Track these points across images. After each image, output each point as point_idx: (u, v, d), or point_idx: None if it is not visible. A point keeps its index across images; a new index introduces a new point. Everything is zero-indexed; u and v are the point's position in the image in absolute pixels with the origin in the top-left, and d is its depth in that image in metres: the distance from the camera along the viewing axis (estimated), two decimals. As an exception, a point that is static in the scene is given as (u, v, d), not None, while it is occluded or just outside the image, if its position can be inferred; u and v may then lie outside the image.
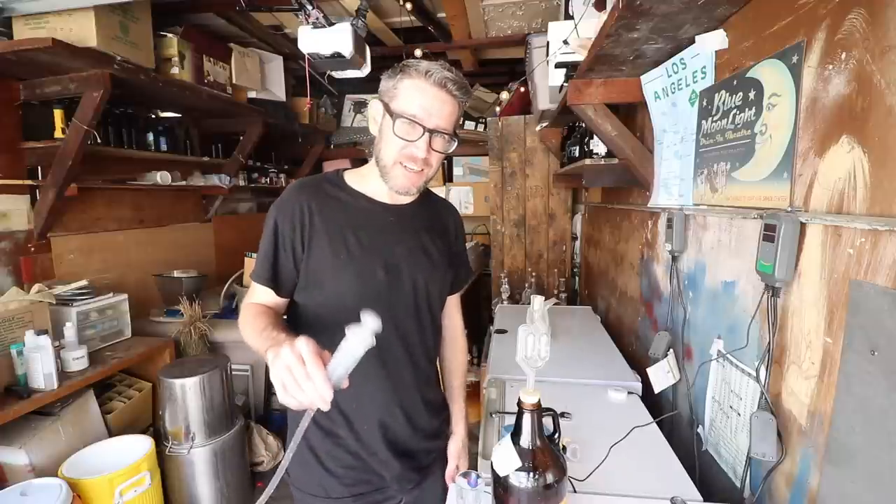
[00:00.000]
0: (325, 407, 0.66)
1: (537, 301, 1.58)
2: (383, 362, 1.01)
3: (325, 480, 1.03)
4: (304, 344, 0.67)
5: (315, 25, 1.78)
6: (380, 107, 0.96)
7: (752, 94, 1.06)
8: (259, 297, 1.00)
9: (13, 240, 2.13)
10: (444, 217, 1.16)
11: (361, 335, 0.68)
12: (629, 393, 1.51)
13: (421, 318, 1.06)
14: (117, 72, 1.99)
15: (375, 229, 1.01)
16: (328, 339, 0.70)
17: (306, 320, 1.02)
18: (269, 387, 2.84)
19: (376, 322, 0.68)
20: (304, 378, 0.65)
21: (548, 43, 1.77)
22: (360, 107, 4.29)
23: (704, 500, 1.01)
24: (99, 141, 2.25)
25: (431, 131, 0.92)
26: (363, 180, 1.04)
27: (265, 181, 3.83)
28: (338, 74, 2.02)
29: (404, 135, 0.91)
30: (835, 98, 0.83)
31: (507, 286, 3.14)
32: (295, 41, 2.35)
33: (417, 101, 0.90)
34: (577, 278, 3.44)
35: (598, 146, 1.97)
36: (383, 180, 0.99)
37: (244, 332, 0.92)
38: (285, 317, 1.05)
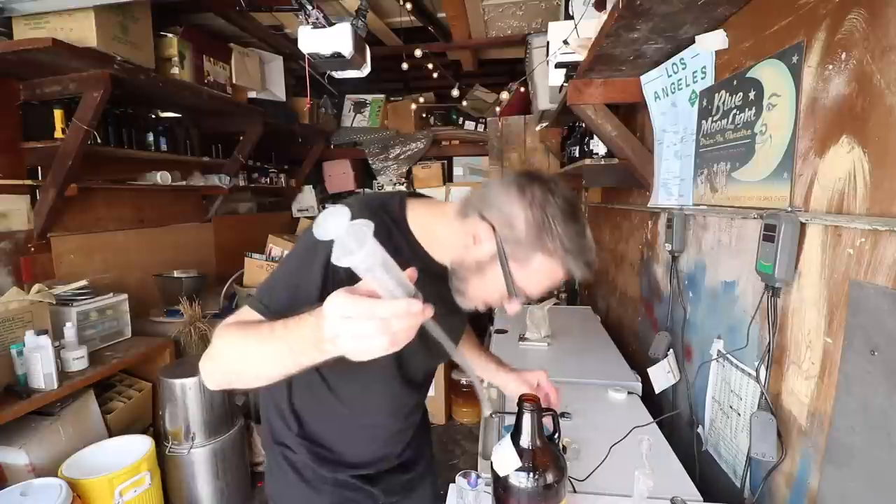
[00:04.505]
0: (426, 315, 0.53)
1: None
2: (389, 413, 1.01)
3: (310, 499, 1.00)
4: (339, 293, 0.52)
5: (315, 25, 1.78)
6: (492, 241, 0.75)
7: (752, 95, 1.06)
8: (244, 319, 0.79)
9: (13, 240, 2.13)
10: None
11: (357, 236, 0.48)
12: (629, 393, 1.51)
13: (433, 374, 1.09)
14: (117, 72, 1.99)
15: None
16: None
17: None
18: (269, 387, 2.83)
19: (344, 212, 0.48)
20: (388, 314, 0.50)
21: (548, 43, 1.77)
22: (360, 107, 4.27)
23: (704, 500, 1.01)
24: (99, 141, 2.25)
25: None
26: (431, 239, 0.85)
27: (265, 181, 3.83)
28: (338, 74, 2.02)
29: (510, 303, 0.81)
30: (835, 98, 0.83)
31: (507, 286, 3.13)
32: (295, 41, 2.34)
33: (544, 284, 0.79)
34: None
35: (598, 146, 1.97)
36: (452, 289, 0.84)
37: (231, 353, 0.70)
38: None
